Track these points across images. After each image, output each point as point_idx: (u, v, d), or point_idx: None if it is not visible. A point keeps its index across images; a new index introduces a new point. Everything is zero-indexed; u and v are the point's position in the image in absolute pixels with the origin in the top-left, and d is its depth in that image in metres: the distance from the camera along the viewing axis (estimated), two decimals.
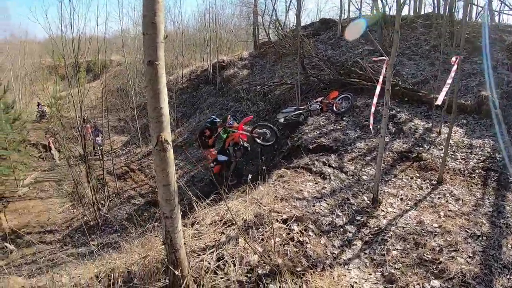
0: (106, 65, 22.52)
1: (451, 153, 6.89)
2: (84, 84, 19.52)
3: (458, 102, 8.11)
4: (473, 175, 6.24)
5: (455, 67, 5.93)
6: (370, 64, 10.69)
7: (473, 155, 6.87)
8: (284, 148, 9.43)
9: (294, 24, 14.69)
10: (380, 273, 3.79)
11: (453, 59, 6.00)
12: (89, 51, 12.93)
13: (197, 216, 4.31)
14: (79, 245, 9.53)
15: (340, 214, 5.04)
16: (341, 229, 4.65)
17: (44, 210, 12.86)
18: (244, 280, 3.19)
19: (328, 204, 5.28)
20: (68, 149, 12.74)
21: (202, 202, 4.58)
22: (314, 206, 5.11)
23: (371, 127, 6.74)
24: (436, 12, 14.75)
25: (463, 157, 6.84)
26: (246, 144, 9.56)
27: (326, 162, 6.96)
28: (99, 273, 3.28)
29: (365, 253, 4.18)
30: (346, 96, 9.58)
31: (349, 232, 4.61)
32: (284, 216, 4.24)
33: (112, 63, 28.18)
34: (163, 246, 3.20)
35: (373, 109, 6.26)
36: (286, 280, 3.19)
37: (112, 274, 3.22)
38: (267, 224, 3.88)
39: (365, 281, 3.67)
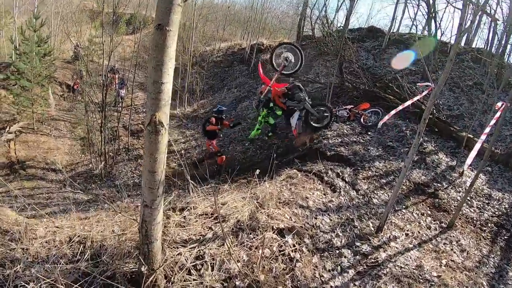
0: (145, 21, 22.36)
1: (468, 198, 6.53)
2: (122, 34, 19.57)
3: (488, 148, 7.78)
4: (484, 228, 5.87)
5: (498, 114, 5.56)
6: (408, 84, 10.29)
7: (489, 207, 6.46)
8: (302, 147, 9.18)
9: (342, 25, 14.21)
10: None
11: (499, 104, 5.62)
12: (129, 3, 12.87)
13: (189, 202, 4.10)
14: (75, 191, 9.52)
15: (340, 234, 4.80)
16: (337, 251, 4.39)
17: (53, 148, 13.01)
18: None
19: (331, 220, 5.03)
20: (88, 95, 12.73)
21: (200, 186, 4.41)
22: (316, 218, 4.88)
23: (380, 123, 6.45)
24: (487, 49, 14.06)
25: (478, 206, 6.45)
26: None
27: (340, 174, 6.69)
28: (73, 236, 3.14)
29: (355, 285, 3.93)
30: (377, 110, 9.22)
31: (345, 257, 4.34)
32: (282, 225, 3.98)
33: (153, 21, 27.97)
34: None
35: (386, 117, 6.00)
36: None
37: (85, 243, 3.06)
38: (260, 231, 3.65)
39: None
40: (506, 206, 6.50)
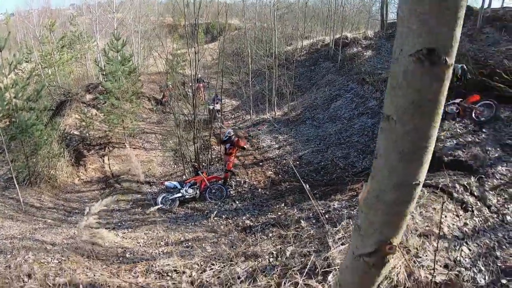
0: (224, 28, 22.60)
1: None
2: (202, 44, 19.90)
3: None
4: None
5: None
6: None
7: None
8: None
9: None
10: None
11: None
12: (209, 14, 12.95)
13: (330, 257, 3.33)
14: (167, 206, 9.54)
15: (483, 269, 4.01)
16: None
17: (146, 161, 13.42)
18: None
19: (470, 250, 4.22)
20: (178, 106, 12.97)
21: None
22: (455, 250, 4.13)
23: None
24: None
25: None
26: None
27: (468, 187, 5.67)
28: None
29: None
30: (489, 103, 8.02)
31: None
32: (438, 279, 3.18)
33: (231, 27, 28.48)
34: None
35: None
36: None
37: None
38: None
39: None
40: None
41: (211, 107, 14.83)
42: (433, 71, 1.13)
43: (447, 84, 1.17)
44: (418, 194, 1.30)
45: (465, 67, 8.46)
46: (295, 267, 3.32)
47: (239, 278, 3.24)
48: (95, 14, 23.03)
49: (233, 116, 17.23)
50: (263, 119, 15.26)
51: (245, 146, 10.36)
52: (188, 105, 12.15)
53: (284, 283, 3.00)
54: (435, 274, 3.16)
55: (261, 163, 11.45)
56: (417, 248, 3.58)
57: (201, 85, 17.10)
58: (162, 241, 6.05)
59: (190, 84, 12.62)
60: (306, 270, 3.18)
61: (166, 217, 8.48)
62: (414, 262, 3.31)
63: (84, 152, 13.53)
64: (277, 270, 3.31)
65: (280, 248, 4.10)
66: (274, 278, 3.07)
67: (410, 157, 1.24)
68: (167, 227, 7.21)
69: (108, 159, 13.40)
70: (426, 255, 3.54)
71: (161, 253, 5.31)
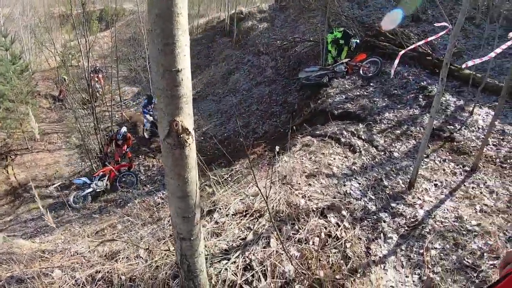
0: (117, 14, 21.61)
1: (482, 136, 6.39)
2: (96, 32, 18.92)
3: (492, 83, 7.61)
4: (505, 165, 5.70)
5: (510, 43, 5.37)
6: (401, 29, 10.02)
7: (505, 142, 6.28)
8: (305, 110, 9.00)
9: None
10: (417, 276, 3.44)
11: (510, 34, 5.43)
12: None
13: (216, 201, 3.77)
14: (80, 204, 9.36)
15: (373, 197, 4.67)
16: (375, 217, 4.26)
17: (52, 163, 12.79)
18: None
19: (359, 184, 4.91)
20: (74, 100, 12.46)
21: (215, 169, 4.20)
22: (345, 185, 4.74)
23: (392, 70, 6.75)
24: None
25: (494, 143, 6.27)
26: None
27: (355, 132, 6.54)
28: (97, 273, 2.87)
29: (402, 249, 3.82)
30: (375, 60, 9.00)
31: (384, 222, 4.21)
32: (320, 205, 3.76)
33: (125, 12, 27.32)
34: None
35: (396, 62, 6.42)
36: None
37: (112, 279, 2.78)
38: (303, 217, 3.41)
39: (403, 285, 3.37)
40: None
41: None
42: None
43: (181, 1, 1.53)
44: (185, 80, 1.68)
45: (358, 41, 9.37)
46: None
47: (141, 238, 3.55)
48: None
49: (134, 103, 16.86)
50: None
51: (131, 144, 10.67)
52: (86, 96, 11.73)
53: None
54: (317, 202, 3.71)
55: None
56: (299, 183, 4.09)
57: (100, 75, 16.44)
58: (79, 237, 6.05)
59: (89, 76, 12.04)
60: None
61: (81, 214, 8.37)
62: (297, 195, 3.82)
63: None
64: None
65: None
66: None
67: (169, 48, 1.56)
68: (83, 223, 7.26)
69: (12, 169, 12.45)
70: (311, 190, 4.11)
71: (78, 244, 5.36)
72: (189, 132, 1.76)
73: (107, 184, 9.78)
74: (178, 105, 1.68)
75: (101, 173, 9.80)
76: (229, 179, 5.93)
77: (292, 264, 2.80)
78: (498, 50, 5.49)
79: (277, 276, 2.73)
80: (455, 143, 6.34)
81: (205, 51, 18.16)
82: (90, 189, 9.44)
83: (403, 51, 6.43)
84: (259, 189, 2.56)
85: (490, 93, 7.52)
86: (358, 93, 8.39)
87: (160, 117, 1.75)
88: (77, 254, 3.42)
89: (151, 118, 12.19)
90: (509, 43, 5.39)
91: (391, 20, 11.68)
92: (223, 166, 8.17)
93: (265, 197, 2.60)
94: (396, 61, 6.55)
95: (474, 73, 7.75)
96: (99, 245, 3.47)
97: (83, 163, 12.77)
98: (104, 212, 7.90)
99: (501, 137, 6.43)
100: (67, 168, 12.62)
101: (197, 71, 16.82)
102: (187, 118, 1.74)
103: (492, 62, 7.33)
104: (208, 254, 2.88)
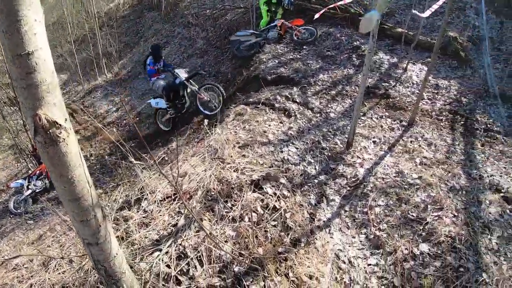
0: None
1: (417, 91, 6.42)
2: None
3: (424, 40, 7.69)
4: (441, 118, 5.81)
5: (441, 2, 5.36)
6: None
7: (440, 96, 6.40)
8: (238, 78, 8.58)
9: None
10: (364, 236, 3.30)
11: None
12: None
13: (142, 188, 3.39)
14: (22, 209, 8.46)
15: (312, 161, 4.46)
16: (315, 181, 4.07)
17: None
18: (218, 284, 2.38)
19: (297, 148, 4.66)
20: None
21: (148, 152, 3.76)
22: (282, 152, 4.47)
23: (317, 15, 7.20)
24: None
25: (429, 98, 6.37)
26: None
27: (289, 96, 6.26)
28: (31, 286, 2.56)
29: (345, 211, 3.65)
30: (311, 29, 8.68)
31: (325, 184, 4.03)
32: (255, 176, 3.45)
33: None
34: None
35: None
36: (271, 275, 2.46)
37: None
38: (236, 193, 3.11)
39: (350, 247, 3.18)
40: (455, 92, 6.48)
41: None
42: None
43: None
44: (42, 64, 1.38)
45: (292, 0, 8.94)
46: None
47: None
48: None
49: (64, 91, 15.46)
50: (95, 86, 14.13)
51: None
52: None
53: None
54: (251, 174, 3.36)
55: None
56: (231, 156, 3.74)
57: None
58: (23, 244, 5.39)
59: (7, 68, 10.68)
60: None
61: (24, 219, 7.53)
62: (228, 169, 3.46)
63: None
64: None
65: None
66: None
67: (13, 27, 1.26)
68: (26, 229, 6.63)
69: None
70: (244, 161, 3.75)
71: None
72: (60, 125, 1.47)
73: (46, 183, 8.89)
74: (38, 95, 1.41)
75: (38, 171, 8.92)
76: (166, 159, 5.55)
77: (228, 246, 2.58)
78: (435, 6, 5.48)
79: (213, 261, 2.51)
80: (390, 100, 6.31)
81: (133, 27, 17.02)
82: (29, 191, 8.58)
83: (324, 9, 6.33)
84: (166, 176, 2.19)
85: (423, 50, 7.59)
86: (291, 57, 8.11)
87: (23, 113, 1.55)
88: (18, 266, 2.97)
89: (163, 83, 8.49)
90: (440, 2, 5.34)
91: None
92: (160, 146, 7.75)
93: (175, 185, 2.20)
94: (317, 15, 6.47)
95: (406, 31, 7.72)
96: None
97: (18, 164, 11.51)
98: (46, 214, 7.29)
99: (436, 91, 6.51)
100: (3, 172, 11.31)
101: (127, 49, 15.72)
102: (53, 110, 1.46)
103: (424, 20, 7.31)
104: (138, 248, 2.62)
